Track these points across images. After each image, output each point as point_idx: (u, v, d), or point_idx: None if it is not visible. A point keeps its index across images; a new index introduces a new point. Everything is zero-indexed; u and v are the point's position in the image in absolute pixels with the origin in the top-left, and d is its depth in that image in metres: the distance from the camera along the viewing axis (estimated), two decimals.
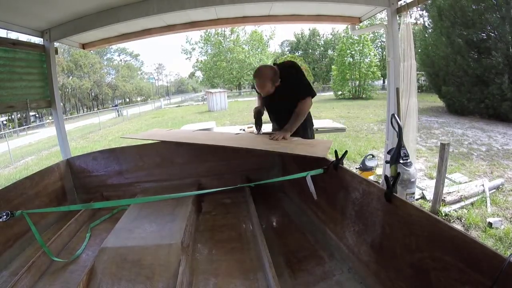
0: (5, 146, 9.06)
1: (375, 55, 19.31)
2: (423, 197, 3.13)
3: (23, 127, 18.84)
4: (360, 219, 1.25)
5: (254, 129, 2.25)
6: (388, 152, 2.64)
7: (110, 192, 2.29)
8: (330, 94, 22.79)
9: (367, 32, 19.13)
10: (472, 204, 2.90)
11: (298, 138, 1.95)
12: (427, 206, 2.92)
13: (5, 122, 23.22)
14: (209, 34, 24.55)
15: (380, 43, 27.48)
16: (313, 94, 2.06)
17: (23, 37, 2.72)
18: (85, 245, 1.63)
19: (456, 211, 2.76)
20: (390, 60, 2.72)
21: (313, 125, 2.33)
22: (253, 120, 2.25)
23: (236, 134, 2.29)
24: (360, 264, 1.22)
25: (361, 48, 18.85)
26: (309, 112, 2.17)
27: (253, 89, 2.31)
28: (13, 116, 24.84)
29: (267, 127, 2.46)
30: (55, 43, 2.64)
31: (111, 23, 2.50)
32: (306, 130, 2.19)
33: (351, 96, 19.10)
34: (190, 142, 2.09)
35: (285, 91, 1.99)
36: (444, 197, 2.85)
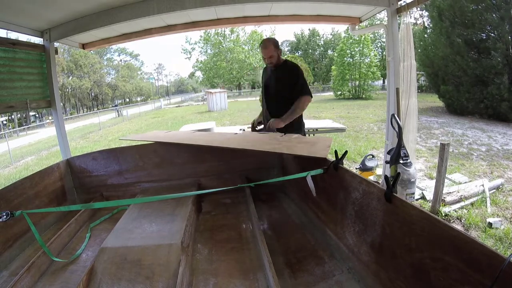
0: (5, 146, 9.06)
1: (375, 55, 19.32)
2: (423, 197, 3.13)
3: (23, 127, 18.83)
4: (360, 219, 1.25)
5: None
6: (388, 152, 2.64)
7: (110, 192, 2.29)
8: (330, 94, 22.81)
9: (367, 32, 19.13)
10: (472, 204, 2.91)
11: (298, 135, 1.96)
12: (427, 206, 2.92)
13: (5, 122, 23.21)
14: (209, 34, 24.51)
15: (380, 43, 27.49)
16: (311, 95, 2.22)
17: (23, 37, 2.72)
18: (85, 245, 1.63)
19: (456, 211, 2.77)
20: (390, 60, 2.72)
21: (304, 126, 2.47)
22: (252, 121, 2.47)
23: (235, 134, 2.29)
24: (360, 264, 1.22)
25: (361, 48, 18.85)
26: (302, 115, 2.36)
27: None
28: (13, 116, 24.83)
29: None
30: (55, 43, 2.64)
31: (111, 23, 2.50)
32: (301, 128, 2.36)
33: (351, 96, 19.11)
34: (189, 143, 2.09)
35: (285, 80, 2.20)
36: (444, 197, 2.85)
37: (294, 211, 1.92)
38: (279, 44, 2.25)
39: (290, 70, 2.24)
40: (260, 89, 2.49)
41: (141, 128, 12.99)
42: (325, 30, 61.49)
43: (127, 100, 43.44)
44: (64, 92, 31.97)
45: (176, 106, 28.42)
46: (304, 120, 2.46)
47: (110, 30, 2.85)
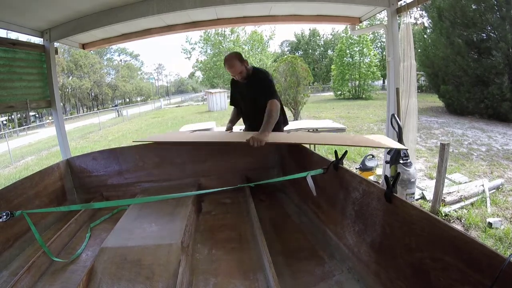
0: (5, 146, 9.06)
1: (375, 55, 19.31)
2: (423, 197, 3.13)
3: (23, 127, 18.82)
4: (360, 219, 1.25)
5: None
6: (388, 152, 2.64)
7: (110, 192, 2.29)
8: (330, 94, 22.80)
9: (367, 32, 19.13)
10: (472, 204, 2.90)
11: (356, 135, 2.00)
12: (427, 206, 2.92)
13: (5, 122, 23.21)
14: (209, 34, 24.48)
15: (380, 43, 27.47)
16: (277, 99, 2.16)
17: (23, 37, 2.72)
18: (85, 245, 1.63)
19: (456, 211, 2.76)
20: (390, 60, 2.72)
21: (287, 123, 2.46)
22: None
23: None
24: (360, 264, 1.22)
25: (361, 48, 18.85)
26: (284, 112, 2.35)
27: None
28: (13, 116, 24.83)
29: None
30: (55, 43, 2.64)
31: (111, 23, 2.50)
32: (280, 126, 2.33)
33: (351, 96, 19.10)
34: (206, 141, 2.09)
35: (255, 89, 2.16)
36: (444, 197, 2.85)
37: (294, 211, 1.92)
38: (243, 56, 2.20)
39: (262, 76, 2.21)
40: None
41: (141, 128, 13.00)
42: (325, 30, 61.66)
43: (127, 100, 43.41)
44: (64, 92, 31.95)
45: (176, 106, 28.43)
46: (305, 120, 2.46)
47: (110, 30, 2.85)
